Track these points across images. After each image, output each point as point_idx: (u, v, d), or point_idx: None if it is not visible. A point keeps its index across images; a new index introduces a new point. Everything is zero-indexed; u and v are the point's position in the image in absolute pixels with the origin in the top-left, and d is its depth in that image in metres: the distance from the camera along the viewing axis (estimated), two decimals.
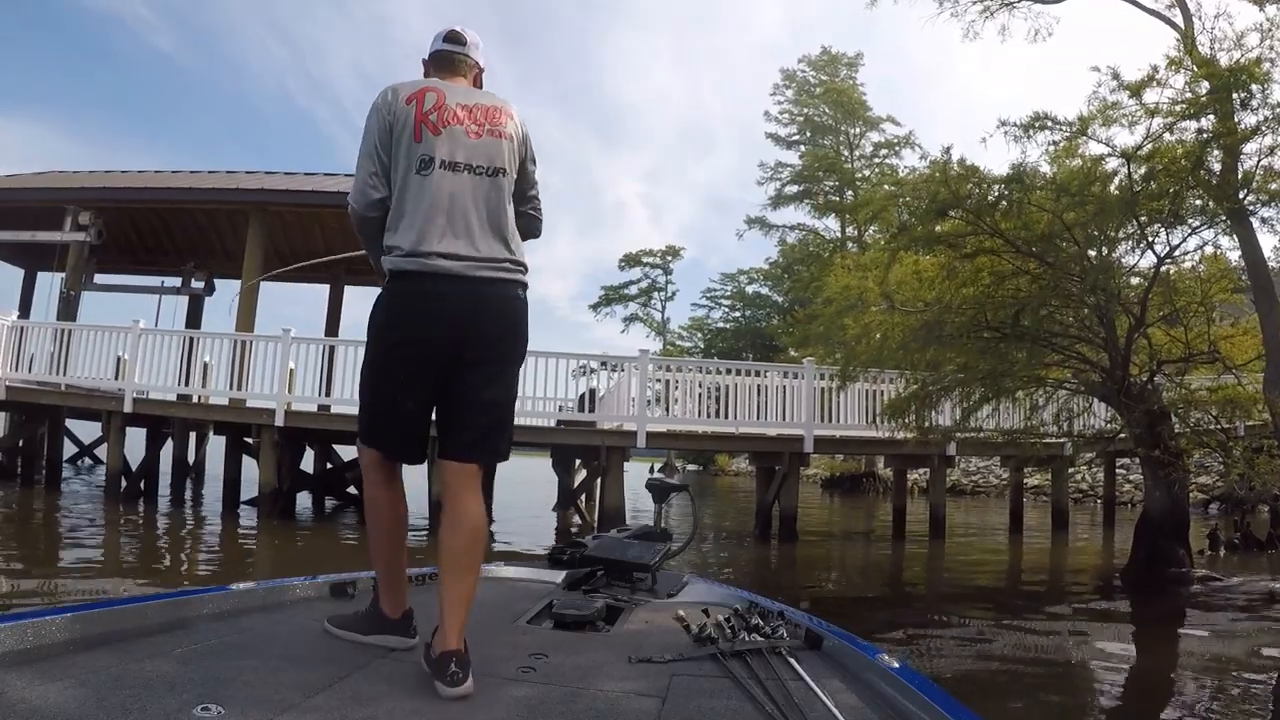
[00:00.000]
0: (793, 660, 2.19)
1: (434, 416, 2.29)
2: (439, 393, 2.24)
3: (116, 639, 2.08)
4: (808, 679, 2.01)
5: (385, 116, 2.24)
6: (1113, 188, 8.58)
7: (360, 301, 19.56)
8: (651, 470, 4.45)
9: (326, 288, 18.60)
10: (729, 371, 13.29)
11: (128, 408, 12.27)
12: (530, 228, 2.51)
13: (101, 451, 16.46)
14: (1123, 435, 10.10)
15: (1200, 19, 11.37)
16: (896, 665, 2.04)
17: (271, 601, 2.72)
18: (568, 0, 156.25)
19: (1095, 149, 8.98)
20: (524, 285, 2.33)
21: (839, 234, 39.27)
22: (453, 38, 2.46)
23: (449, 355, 2.19)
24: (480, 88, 2.49)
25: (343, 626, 2.34)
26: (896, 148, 38.77)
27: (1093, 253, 9.26)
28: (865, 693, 1.99)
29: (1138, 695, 5.19)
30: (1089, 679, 5.52)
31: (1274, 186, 8.58)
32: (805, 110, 41.11)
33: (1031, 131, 8.74)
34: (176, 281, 17.14)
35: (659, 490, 4.29)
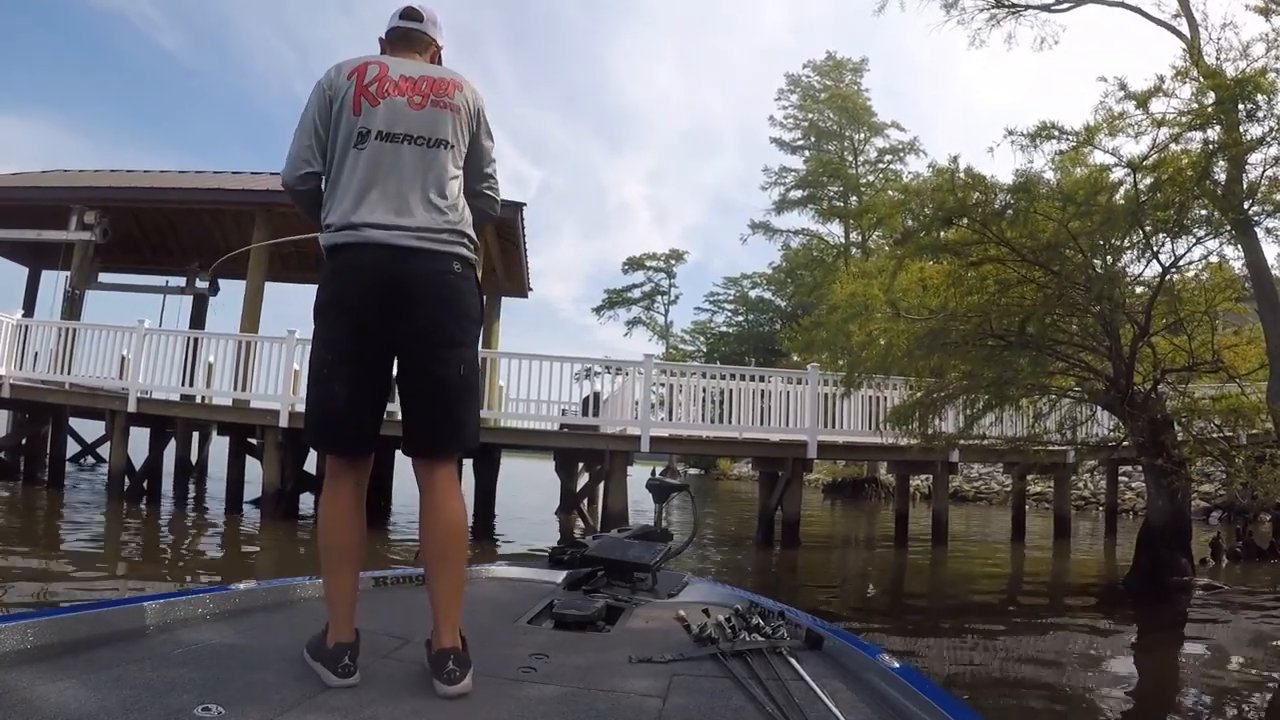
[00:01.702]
0: (793, 660, 2.19)
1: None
2: (397, 381, 2.16)
3: (116, 639, 2.09)
4: (808, 679, 2.01)
5: (326, 91, 2.18)
6: (1118, 197, 8.60)
7: None
8: (654, 474, 4.45)
9: None
10: (733, 376, 13.29)
11: (131, 407, 12.29)
12: (486, 208, 2.41)
13: (104, 451, 16.47)
14: (1126, 443, 10.09)
15: (1206, 29, 11.39)
16: (897, 665, 2.05)
17: (272, 601, 2.72)
18: (572, 2, 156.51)
19: (1099, 159, 9.02)
20: (461, 258, 2.18)
21: (843, 240, 39.26)
22: (409, 14, 2.39)
23: (388, 331, 2.08)
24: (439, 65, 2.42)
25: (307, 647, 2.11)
26: (901, 153, 38.79)
27: (1098, 262, 9.27)
28: (866, 693, 1.99)
29: (1140, 703, 5.17)
30: (1091, 687, 5.52)
31: (1279, 197, 8.59)
32: (810, 115, 41.11)
33: (1039, 141, 8.75)
34: (181, 281, 17.17)
35: (659, 490, 4.28)
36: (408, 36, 2.39)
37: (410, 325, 2.08)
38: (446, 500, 2.15)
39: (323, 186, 2.22)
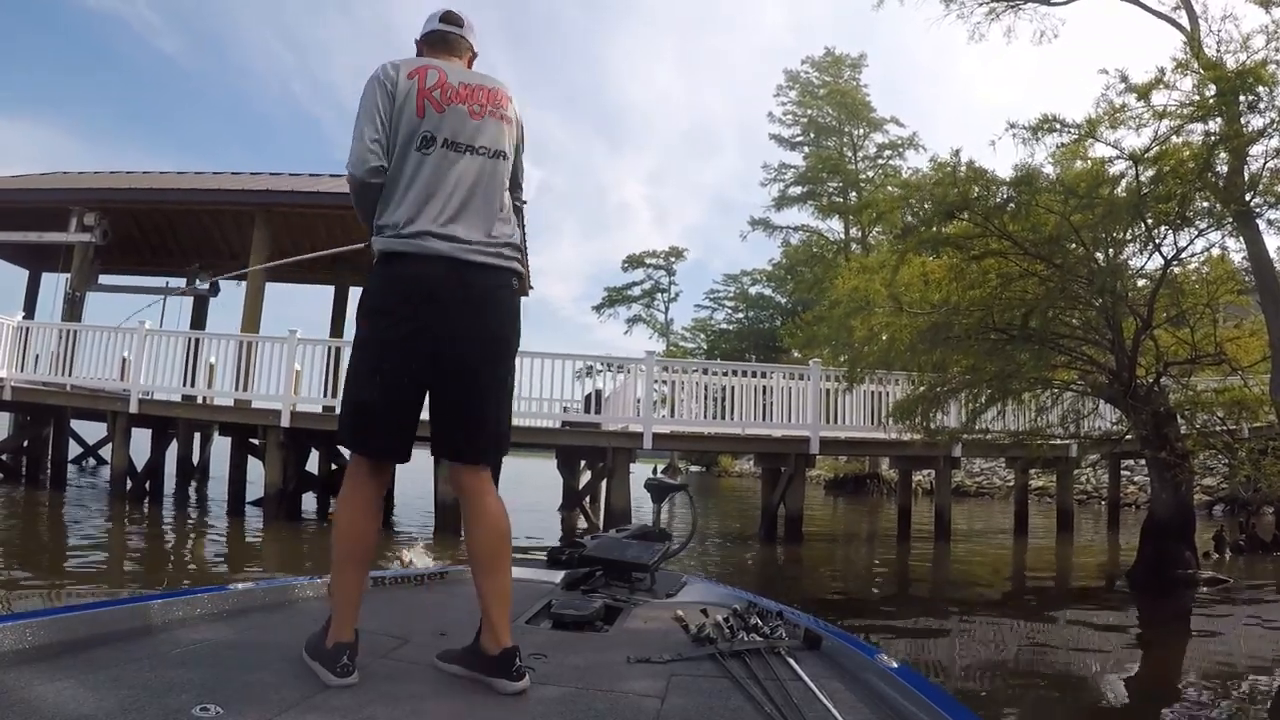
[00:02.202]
0: (791, 660, 2.19)
1: (428, 415, 2.19)
2: (435, 388, 2.14)
3: (116, 639, 2.09)
4: (806, 679, 2.01)
5: (387, 87, 2.13)
6: (1120, 190, 8.58)
7: None
8: (656, 471, 4.45)
9: (331, 289, 18.60)
10: (734, 373, 13.29)
11: (133, 408, 12.27)
12: (519, 224, 2.43)
13: (106, 452, 16.47)
14: (1129, 437, 10.08)
15: (1206, 21, 11.37)
16: (895, 665, 2.05)
17: (271, 601, 2.72)
18: (572, 2, 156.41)
19: (1100, 152, 9.00)
20: (517, 274, 2.24)
21: (843, 235, 39.20)
22: (450, 18, 2.37)
23: (442, 343, 2.08)
24: None
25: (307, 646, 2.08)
26: (900, 149, 38.75)
27: (1100, 255, 9.25)
28: (864, 693, 1.99)
29: (1145, 697, 5.17)
30: (1096, 681, 5.51)
31: None
32: (809, 112, 41.04)
33: (1040, 134, 8.73)
34: (181, 282, 17.14)
35: (657, 490, 4.30)
36: (447, 40, 2.37)
37: (468, 337, 2.11)
38: (494, 504, 2.20)
39: None
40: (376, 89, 2.13)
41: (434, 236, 2.07)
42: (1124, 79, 8.54)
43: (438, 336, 2.07)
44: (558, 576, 3.42)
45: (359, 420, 2.12)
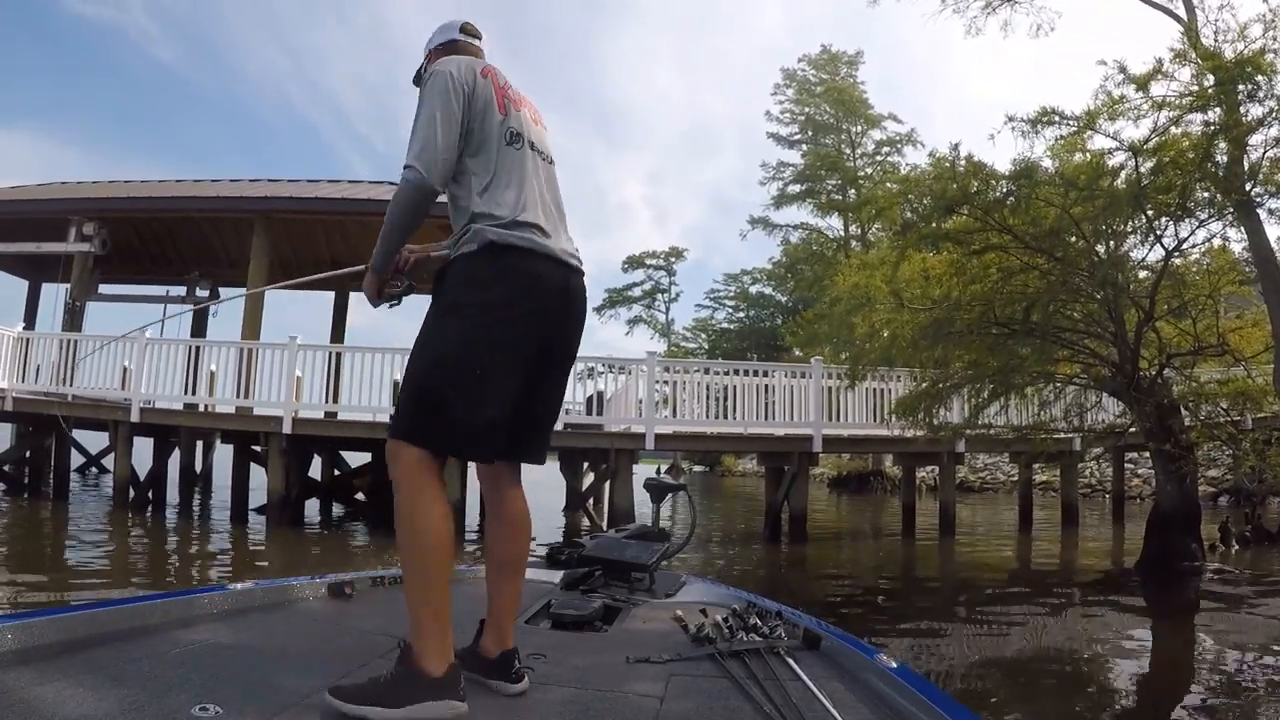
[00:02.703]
0: (791, 660, 2.19)
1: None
2: (529, 388, 2.05)
3: (115, 639, 2.09)
4: (806, 679, 2.01)
5: (464, 89, 2.03)
6: (1120, 182, 8.56)
7: (363, 308, 19.49)
8: (658, 472, 4.47)
9: (331, 295, 18.60)
10: (736, 372, 13.27)
11: (134, 417, 12.27)
12: None
13: (109, 461, 16.46)
14: (1133, 429, 10.06)
15: (1203, 11, 11.34)
16: (894, 665, 2.05)
17: (270, 601, 2.72)
18: (569, 4, 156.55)
19: (1099, 144, 8.98)
20: None
21: (842, 233, 39.16)
22: (469, 30, 2.36)
23: (553, 346, 2.08)
24: None
25: (358, 700, 1.74)
26: (898, 145, 38.70)
27: (1101, 247, 9.24)
28: (863, 693, 2.00)
29: (1153, 690, 5.15)
30: (1103, 676, 5.48)
31: None
32: (806, 109, 41.04)
33: (1039, 126, 8.72)
34: (181, 291, 17.15)
35: (657, 490, 4.32)
36: (470, 51, 2.32)
37: (565, 340, 2.13)
38: (525, 507, 2.19)
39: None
40: (451, 91, 2.02)
41: (542, 233, 2.04)
42: (1122, 69, 8.52)
43: (550, 338, 2.05)
44: (557, 576, 3.42)
45: (469, 421, 1.92)
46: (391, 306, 2.36)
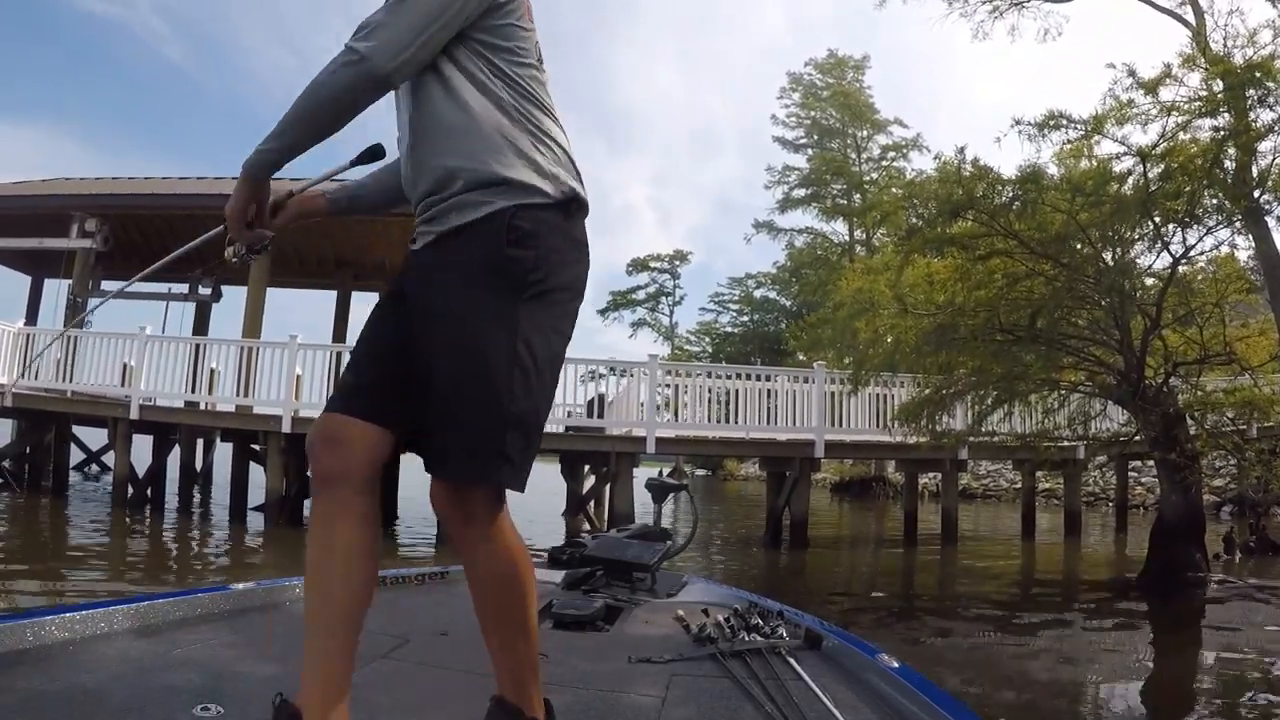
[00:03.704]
0: (792, 660, 2.20)
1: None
2: None
3: (116, 639, 2.10)
4: (807, 679, 2.02)
5: None
6: (1128, 187, 8.51)
7: (365, 308, 19.45)
8: (660, 475, 4.46)
9: (334, 294, 18.58)
10: (738, 376, 13.24)
11: (134, 414, 12.25)
12: None
13: (109, 458, 16.45)
14: (1138, 438, 10.00)
15: (1212, 15, 11.31)
16: (896, 665, 2.05)
17: (271, 601, 2.74)
18: (572, 7, 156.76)
19: (1106, 149, 8.95)
20: None
21: (847, 237, 39.15)
22: None
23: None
24: None
25: None
26: (904, 150, 38.62)
27: (1108, 254, 9.18)
28: (865, 693, 2.00)
29: (1156, 701, 5.09)
30: (1106, 685, 5.43)
31: None
32: (812, 113, 41.00)
33: (1046, 130, 8.67)
34: (184, 288, 17.14)
35: (658, 490, 4.33)
36: None
37: None
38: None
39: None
40: None
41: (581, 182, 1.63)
42: (1131, 73, 8.49)
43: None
44: (558, 576, 3.42)
45: (529, 435, 1.53)
46: (240, 260, 1.83)
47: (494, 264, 1.47)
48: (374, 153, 1.75)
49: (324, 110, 1.46)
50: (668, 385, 13.27)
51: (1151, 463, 12.08)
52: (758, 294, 52.11)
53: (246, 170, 1.61)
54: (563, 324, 1.57)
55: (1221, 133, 8.20)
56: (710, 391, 13.36)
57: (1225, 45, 9.20)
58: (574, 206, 1.58)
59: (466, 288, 1.47)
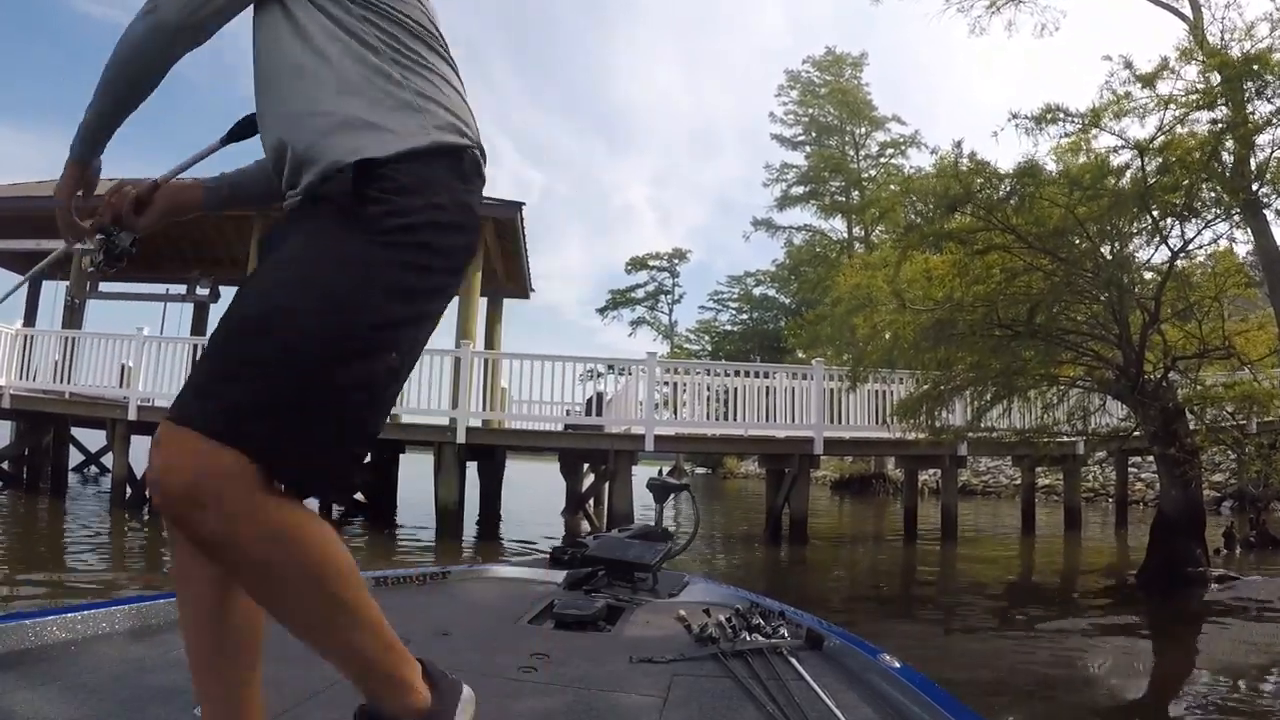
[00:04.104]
0: (794, 660, 2.18)
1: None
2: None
3: (115, 639, 2.10)
4: (809, 679, 2.00)
5: None
6: (1125, 181, 8.50)
7: None
8: (660, 473, 4.46)
9: None
10: (737, 373, 13.23)
11: (132, 415, 12.23)
12: None
13: (108, 460, 16.44)
14: (1137, 433, 9.98)
15: (1209, 9, 11.28)
16: (898, 665, 2.04)
17: None
18: (572, 7, 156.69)
19: (1103, 143, 8.94)
20: None
21: (846, 235, 39.15)
22: None
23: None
24: None
25: None
26: (902, 147, 38.63)
27: (1106, 248, 9.17)
28: (867, 693, 1.98)
29: (1157, 697, 5.08)
30: (1107, 681, 5.42)
31: None
32: (810, 111, 41.00)
33: (1043, 124, 8.65)
34: (181, 289, 17.13)
35: (660, 490, 4.30)
36: None
37: None
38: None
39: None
40: None
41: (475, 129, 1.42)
42: (1128, 65, 8.46)
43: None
44: (560, 576, 3.41)
45: (359, 427, 1.23)
46: (99, 269, 1.53)
47: (343, 224, 1.22)
48: (248, 126, 1.52)
49: (125, 71, 1.28)
50: (666, 383, 13.26)
51: (1151, 458, 12.05)
52: (757, 292, 52.10)
53: (70, 151, 1.37)
54: (420, 296, 1.27)
55: (1219, 126, 8.19)
56: (709, 389, 13.35)
57: (1223, 38, 9.19)
58: (457, 159, 1.34)
59: (304, 247, 1.23)
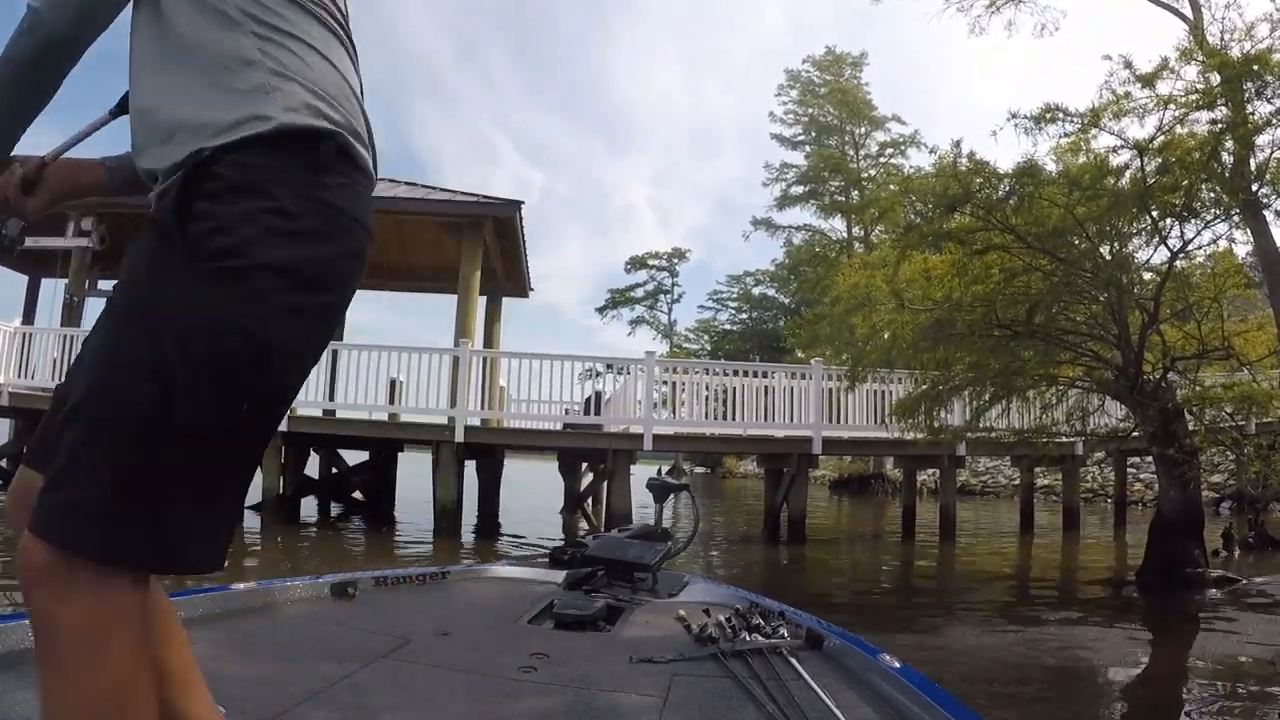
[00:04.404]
0: (794, 660, 2.19)
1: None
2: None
3: None
4: (809, 679, 2.01)
5: None
6: (1125, 181, 8.49)
7: (363, 306, 19.41)
8: (659, 473, 4.46)
9: None
10: (736, 373, 13.23)
11: None
12: None
13: None
14: (1136, 434, 9.98)
15: (1209, 9, 11.28)
16: (897, 665, 2.05)
17: (272, 601, 2.72)
18: (571, 7, 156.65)
19: (1103, 143, 8.94)
20: None
21: (845, 234, 39.15)
22: None
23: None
24: None
25: None
26: (902, 147, 38.65)
27: (1105, 248, 9.16)
28: (866, 693, 1.99)
29: (1156, 697, 5.08)
30: (1106, 681, 5.41)
31: None
32: (810, 110, 41.00)
33: (1042, 123, 8.65)
34: None
35: (659, 490, 4.32)
36: None
37: None
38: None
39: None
40: None
41: (368, 134, 1.24)
42: (1128, 65, 8.46)
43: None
44: (560, 576, 3.42)
45: (237, 491, 1.13)
46: None
47: (163, 253, 1.04)
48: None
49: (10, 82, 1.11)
50: (665, 382, 13.25)
51: (1150, 458, 12.06)
52: (756, 291, 52.14)
53: None
54: (266, 334, 1.03)
55: (1219, 126, 8.18)
56: (708, 389, 13.34)
57: (1222, 38, 9.19)
58: (308, 146, 1.09)
59: (124, 292, 1.08)
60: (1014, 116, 8.80)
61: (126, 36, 1.17)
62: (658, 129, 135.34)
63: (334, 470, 14.79)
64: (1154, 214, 8.60)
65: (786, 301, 46.79)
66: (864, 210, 33.17)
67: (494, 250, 15.61)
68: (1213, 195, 8.48)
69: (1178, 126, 8.41)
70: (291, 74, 1.10)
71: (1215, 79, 8.17)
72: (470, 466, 12.16)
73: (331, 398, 12.23)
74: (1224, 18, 9.94)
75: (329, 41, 1.18)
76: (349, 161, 1.15)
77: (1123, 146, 8.60)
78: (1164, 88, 8.47)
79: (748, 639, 2.37)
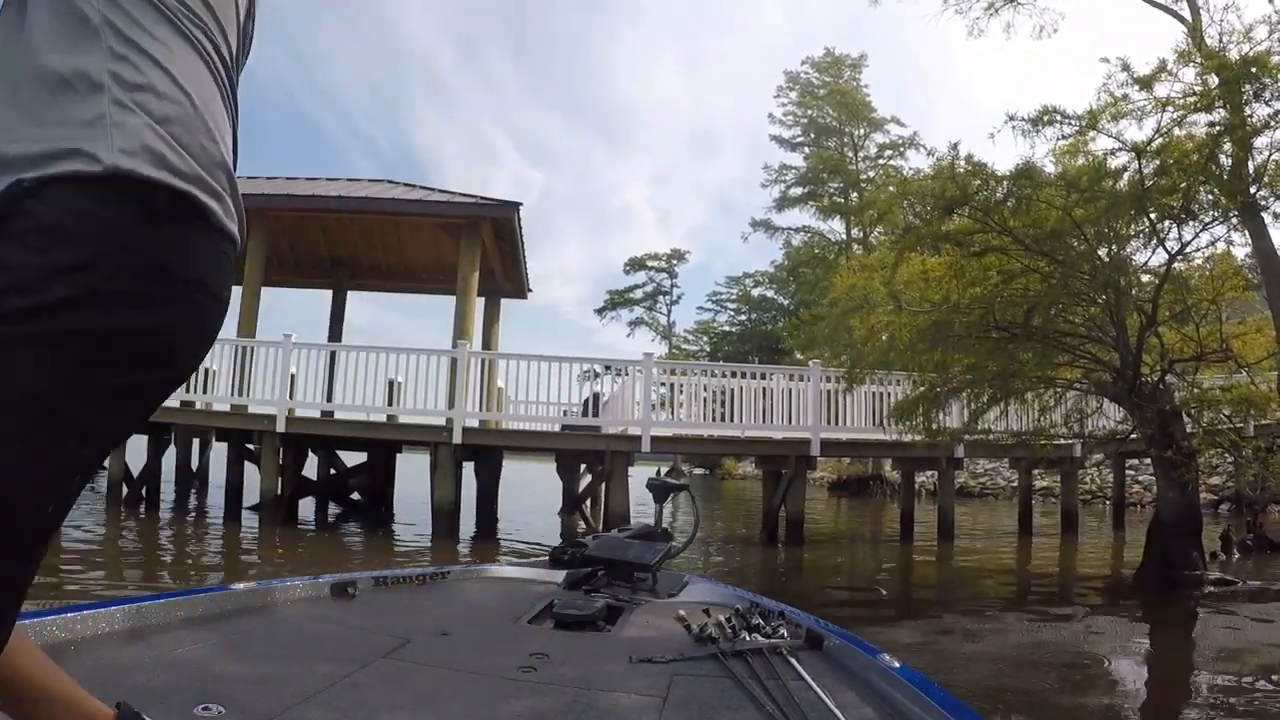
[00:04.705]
0: (794, 660, 2.18)
1: None
2: None
3: (115, 638, 2.09)
4: (809, 679, 2.01)
5: None
6: (1123, 183, 8.50)
7: (361, 307, 19.45)
8: (657, 474, 4.46)
9: (329, 293, 18.55)
10: (734, 374, 13.20)
11: None
12: None
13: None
14: (1134, 436, 9.98)
15: (1208, 11, 11.30)
16: (897, 665, 2.04)
17: (271, 601, 2.72)
18: (572, 7, 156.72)
19: (1101, 145, 8.95)
20: None
21: (844, 236, 39.16)
22: None
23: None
24: None
25: None
26: (901, 149, 38.66)
27: (1103, 250, 9.17)
28: (866, 693, 1.99)
29: (1154, 699, 5.08)
30: (1103, 683, 5.41)
31: None
32: (809, 112, 41.03)
33: (1040, 126, 8.65)
34: None
35: (659, 490, 4.31)
36: None
37: None
38: None
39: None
40: None
41: (230, 178, 1.08)
42: (1125, 67, 8.47)
43: None
44: (559, 576, 3.42)
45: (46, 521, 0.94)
46: None
47: None
48: None
49: None
50: (664, 384, 13.25)
51: (1148, 460, 12.07)
52: (755, 293, 52.17)
53: None
54: (74, 417, 0.89)
55: (1217, 128, 8.20)
56: (706, 390, 13.34)
57: (1221, 40, 9.21)
58: (144, 197, 0.93)
59: None
60: (1012, 119, 8.82)
61: None
62: (657, 129, 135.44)
63: (332, 471, 14.79)
64: (1152, 216, 8.60)
65: (785, 303, 46.82)
66: (863, 212, 33.23)
67: (492, 251, 15.62)
68: (1211, 197, 8.49)
69: (1176, 129, 8.43)
70: (138, 108, 0.94)
71: (1213, 81, 8.18)
72: (468, 468, 12.16)
73: (330, 399, 12.23)
74: (1222, 20, 9.98)
75: (199, 72, 1.03)
76: (197, 216, 0.98)
77: (1121, 149, 8.62)
78: (1162, 90, 8.50)
79: (747, 639, 2.37)
